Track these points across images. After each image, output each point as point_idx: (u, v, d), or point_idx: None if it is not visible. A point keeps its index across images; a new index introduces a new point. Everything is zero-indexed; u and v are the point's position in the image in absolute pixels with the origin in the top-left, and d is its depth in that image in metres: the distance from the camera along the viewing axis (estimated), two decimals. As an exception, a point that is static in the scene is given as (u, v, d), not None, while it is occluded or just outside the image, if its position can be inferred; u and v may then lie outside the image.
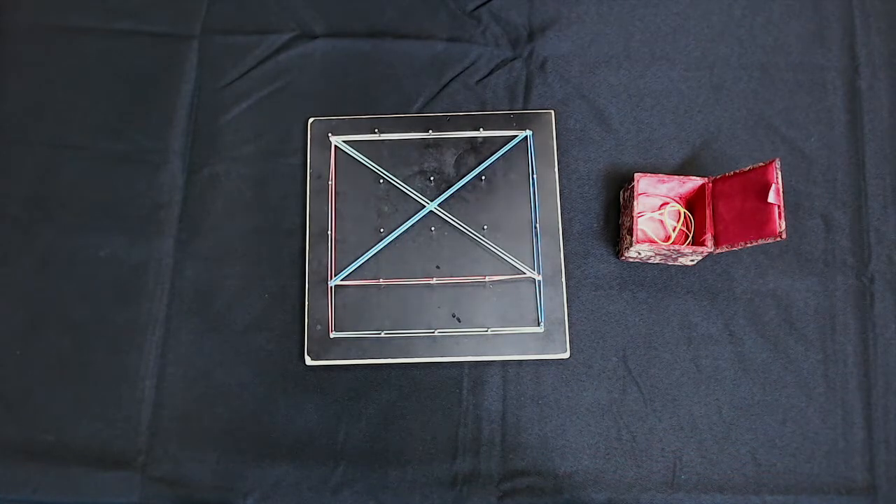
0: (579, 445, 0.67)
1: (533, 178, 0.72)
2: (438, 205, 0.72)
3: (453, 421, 0.68)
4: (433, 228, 0.71)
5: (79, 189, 0.73)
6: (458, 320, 0.69)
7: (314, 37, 0.77)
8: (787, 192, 0.71)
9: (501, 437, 0.67)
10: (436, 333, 0.69)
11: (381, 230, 0.71)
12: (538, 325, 0.69)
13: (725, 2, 0.77)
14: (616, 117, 0.75)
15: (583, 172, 0.73)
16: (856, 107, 0.75)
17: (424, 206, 0.71)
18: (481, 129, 0.73)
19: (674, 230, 0.70)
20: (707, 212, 0.67)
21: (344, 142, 0.73)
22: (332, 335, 0.69)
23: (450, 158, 0.73)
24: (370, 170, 0.73)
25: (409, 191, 0.72)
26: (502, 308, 0.69)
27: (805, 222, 0.72)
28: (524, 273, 0.70)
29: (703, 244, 0.67)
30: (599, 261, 0.71)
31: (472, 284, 0.70)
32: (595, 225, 0.72)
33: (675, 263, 0.71)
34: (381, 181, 0.72)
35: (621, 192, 0.72)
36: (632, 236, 0.66)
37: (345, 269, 0.70)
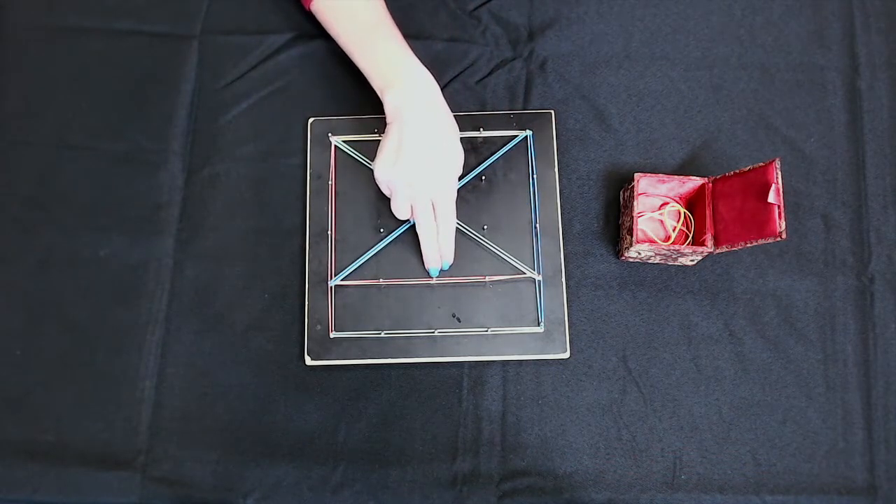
0: (579, 445, 0.67)
1: (533, 178, 0.72)
2: (438, 205, 0.71)
3: (453, 421, 0.68)
4: (433, 228, 0.71)
5: (79, 189, 0.73)
6: (458, 320, 0.69)
7: (314, 37, 0.77)
8: (787, 192, 0.71)
9: (501, 438, 0.67)
10: (436, 333, 0.69)
11: (381, 230, 0.71)
12: (538, 325, 0.69)
13: (725, 2, 0.77)
14: (616, 117, 0.75)
15: (583, 172, 0.73)
16: (856, 107, 0.75)
17: (424, 206, 0.71)
18: (481, 129, 0.73)
19: (674, 230, 0.70)
20: (707, 212, 0.67)
21: (344, 142, 0.73)
22: (332, 335, 0.69)
23: (450, 158, 0.73)
24: (370, 170, 0.73)
25: (409, 191, 0.72)
26: (502, 308, 0.69)
27: (805, 222, 0.72)
28: (524, 273, 0.70)
29: (703, 244, 0.67)
30: (599, 261, 0.71)
31: (472, 284, 0.70)
32: (595, 225, 0.72)
33: (675, 263, 0.71)
34: (381, 181, 0.72)
35: (621, 192, 0.72)
36: (632, 236, 0.66)
37: (345, 269, 0.70)
